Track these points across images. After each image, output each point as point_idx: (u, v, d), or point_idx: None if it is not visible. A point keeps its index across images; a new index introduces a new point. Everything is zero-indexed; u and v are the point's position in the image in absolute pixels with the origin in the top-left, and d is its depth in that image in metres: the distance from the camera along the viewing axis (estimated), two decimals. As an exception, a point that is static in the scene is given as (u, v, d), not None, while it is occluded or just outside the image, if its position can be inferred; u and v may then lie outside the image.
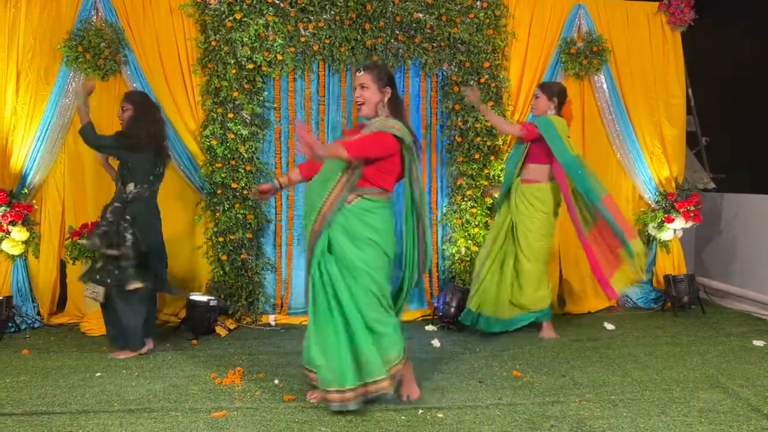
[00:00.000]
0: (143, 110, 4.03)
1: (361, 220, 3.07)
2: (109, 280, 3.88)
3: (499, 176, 5.07)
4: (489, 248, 4.50)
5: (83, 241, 4.04)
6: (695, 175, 5.89)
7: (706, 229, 5.84)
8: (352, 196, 3.07)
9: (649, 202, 5.48)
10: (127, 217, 3.92)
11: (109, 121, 4.62)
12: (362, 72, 3.15)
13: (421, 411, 3.04)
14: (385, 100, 3.15)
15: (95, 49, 4.63)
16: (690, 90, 5.90)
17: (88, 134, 3.95)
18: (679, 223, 5.34)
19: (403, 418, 2.96)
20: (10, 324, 4.49)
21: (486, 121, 4.99)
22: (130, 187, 3.96)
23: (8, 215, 4.54)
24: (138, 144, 3.94)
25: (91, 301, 4.09)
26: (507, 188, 4.50)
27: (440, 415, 2.99)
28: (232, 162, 4.79)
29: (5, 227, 4.56)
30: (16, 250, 4.64)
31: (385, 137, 3.04)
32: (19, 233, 4.60)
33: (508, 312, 4.42)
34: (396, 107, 3.17)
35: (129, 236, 3.89)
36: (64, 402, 3.16)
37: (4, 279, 4.67)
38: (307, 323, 3.10)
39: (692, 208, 5.32)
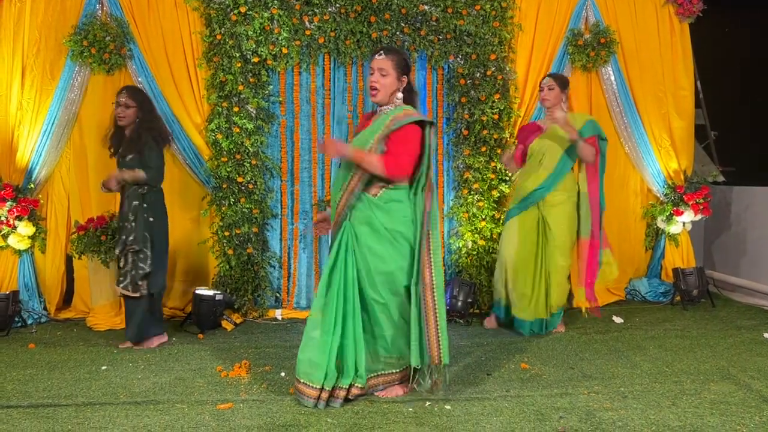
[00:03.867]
0: (150, 107, 4.09)
1: (388, 213, 2.98)
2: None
3: (505, 169, 5.02)
4: (526, 257, 4.24)
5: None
6: (704, 168, 5.85)
7: (715, 222, 5.78)
8: (376, 188, 2.99)
9: (658, 194, 5.43)
10: (146, 215, 3.94)
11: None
12: (383, 55, 2.97)
13: (428, 403, 3.02)
14: (401, 89, 3.04)
15: (100, 43, 4.62)
16: (698, 82, 5.84)
17: (151, 177, 3.94)
18: (688, 216, 5.29)
19: (411, 409, 2.94)
20: (16, 318, 4.49)
21: (493, 113, 4.96)
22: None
23: (14, 210, 4.55)
24: (165, 139, 4.10)
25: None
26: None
27: (448, 407, 2.96)
28: (238, 156, 4.77)
29: (11, 222, 4.57)
30: (23, 245, 4.65)
31: (412, 133, 2.94)
32: (25, 228, 4.60)
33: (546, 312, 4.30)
34: (411, 96, 3.07)
35: (147, 235, 3.93)
36: (69, 394, 3.15)
37: (11, 274, 4.67)
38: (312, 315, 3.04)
39: (701, 201, 5.27)
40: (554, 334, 4.30)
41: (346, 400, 2.99)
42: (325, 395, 2.92)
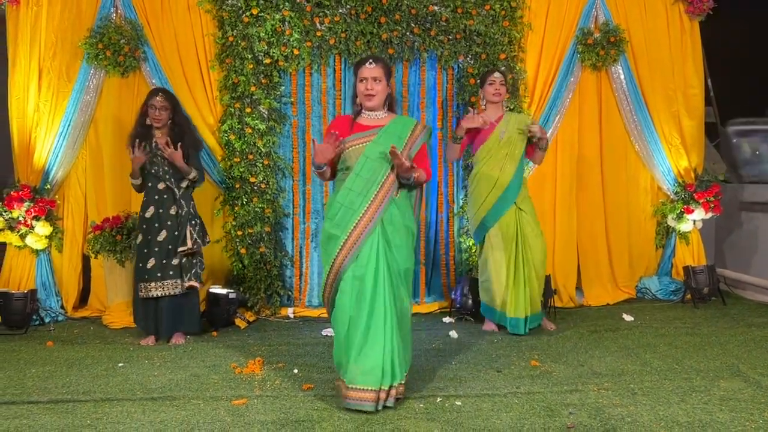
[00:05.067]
0: (181, 109, 4.27)
1: (405, 211, 3.12)
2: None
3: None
4: (507, 257, 4.25)
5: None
6: (715, 166, 5.84)
7: (726, 220, 5.78)
8: (396, 189, 3.10)
9: (668, 193, 5.44)
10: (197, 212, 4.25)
11: (131, 116, 4.68)
12: (374, 64, 3.14)
13: (439, 399, 3.06)
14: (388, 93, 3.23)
15: (115, 46, 4.70)
16: (709, 80, 5.84)
17: (201, 177, 4.21)
18: (699, 214, 5.29)
19: (422, 405, 2.98)
20: (34, 317, 4.58)
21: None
22: (184, 182, 4.14)
23: (32, 210, 4.63)
24: (201, 143, 4.37)
25: None
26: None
27: (458, 403, 3.00)
28: (250, 156, 4.83)
29: (29, 222, 4.65)
30: (40, 245, 4.73)
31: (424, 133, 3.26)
32: (42, 228, 4.69)
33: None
34: (393, 101, 3.27)
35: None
36: (88, 390, 3.22)
37: (29, 273, 4.76)
38: (347, 328, 2.99)
39: (712, 199, 5.27)
40: (549, 329, 4.35)
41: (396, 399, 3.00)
42: (383, 395, 2.93)
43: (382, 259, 3.00)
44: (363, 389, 2.91)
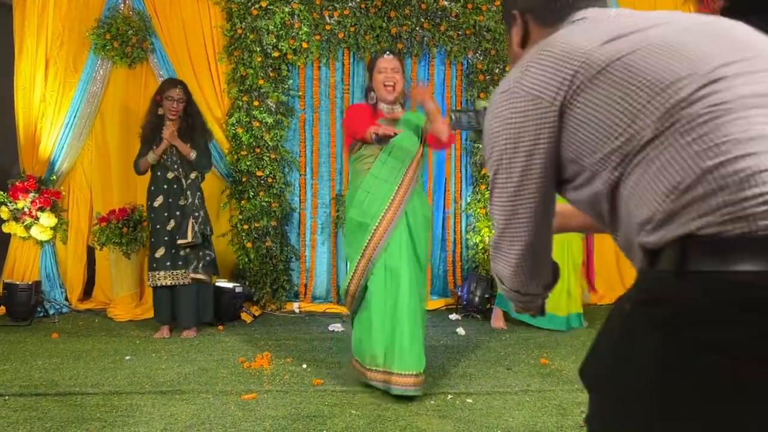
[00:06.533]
0: (193, 101, 4.22)
1: (423, 202, 3.18)
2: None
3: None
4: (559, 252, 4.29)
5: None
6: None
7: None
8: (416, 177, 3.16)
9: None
10: (204, 204, 4.17)
11: (138, 108, 4.66)
12: (392, 56, 3.18)
13: (450, 396, 3.04)
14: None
15: (123, 36, 4.67)
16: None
17: (204, 164, 4.12)
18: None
19: (433, 402, 2.96)
20: (39, 309, 4.55)
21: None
22: (193, 173, 4.08)
23: (37, 201, 4.60)
24: (210, 134, 4.32)
25: None
26: None
27: (470, 401, 2.98)
28: (257, 150, 4.80)
29: (34, 213, 4.62)
30: (45, 236, 4.70)
31: None
32: (47, 219, 4.66)
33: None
34: (403, 96, 3.29)
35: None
36: (96, 383, 3.19)
37: (33, 264, 4.73)
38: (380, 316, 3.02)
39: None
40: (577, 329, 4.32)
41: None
42: (422, 379, 2.96)
43: (411, 251, 3.04)
44: (409, 374, 2.94)
